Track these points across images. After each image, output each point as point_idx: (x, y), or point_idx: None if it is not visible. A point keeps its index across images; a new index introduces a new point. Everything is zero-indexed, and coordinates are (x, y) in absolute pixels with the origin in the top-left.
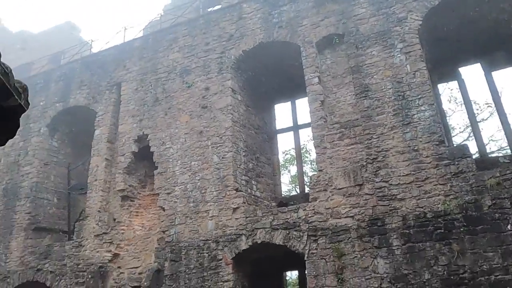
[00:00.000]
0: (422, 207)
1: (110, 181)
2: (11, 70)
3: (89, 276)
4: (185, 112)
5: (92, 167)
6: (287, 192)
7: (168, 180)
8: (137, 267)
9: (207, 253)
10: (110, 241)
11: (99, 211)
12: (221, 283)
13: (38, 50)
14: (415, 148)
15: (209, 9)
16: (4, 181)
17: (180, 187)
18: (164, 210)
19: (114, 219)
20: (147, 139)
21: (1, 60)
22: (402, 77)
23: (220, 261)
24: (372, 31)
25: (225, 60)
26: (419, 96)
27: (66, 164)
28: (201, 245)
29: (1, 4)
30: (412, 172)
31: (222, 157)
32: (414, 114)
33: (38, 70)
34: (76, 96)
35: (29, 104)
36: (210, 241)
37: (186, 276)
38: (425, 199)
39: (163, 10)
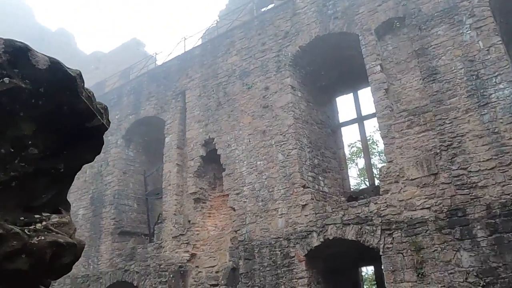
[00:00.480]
0: (508, 194)
1: (183, 185)
2: (93, 94)
3: (171, 275)
4: (247, 113)
5: (165, 173)
6: (355, 186)
7: (236, 180)
8: (213, 266)
9: (279, 250)
10: (187, 242)
11: (174, 214)
12: (296, 280)
13: (110, 68)
14: (495, 131)
15: (262, 9)
16: (91, 190)
17: (248, 187)
18: (234, 210)
19: (189, 221)
20: (213, 143)
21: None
22: (474, 55)
23: (293, 258)
24: (436, 9)
25: (282, 58)
26: (496, 74)
27: (142, 172)
28: (272, 243)
29: (76, 28)
30: (494, 157)
31: (287, 155)
32: (492, 94)
33: (111, 87)
34: (146, 107)
35: (110, 122)
36: (281, 239)
37: (261, 273)
38: (511, 185)
39: (219, 16)
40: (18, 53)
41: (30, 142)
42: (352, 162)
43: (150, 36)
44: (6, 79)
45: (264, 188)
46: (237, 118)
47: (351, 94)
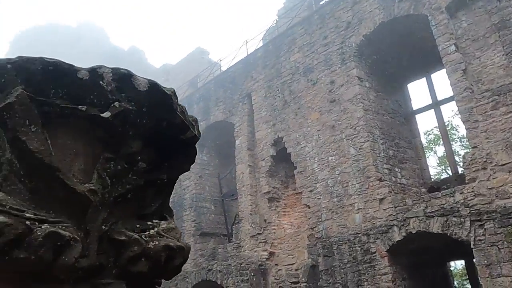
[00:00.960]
0: None
1: (256, 185)
2: (185, 108)
3: (252, 274)
4: (314, 109)
5: (238, 175)
6: (436, 175)
7: (309, 178)
8: (292, 264)
9: (359, 246)
10: (264, 240)
11: (250, 214)
12: (379, 276)
13: (179, 78)
14: None
15: (321, 3)
16: (171, 195)
17: (321, 183)
18: (309, 207)
19: (265, 220)
20: (283, 142)
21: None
22: None
23: (374, 254)
24: None
25: (346, 49)
26: None
27: (216, 175)
28: (351, 239)
29: (145, 45)
30: None
31: (359, 148)
32: None
33: (181, 96)
34: (215, 112)
35: (200, 133)
36: (360, 235)
37: (341, 270)
38: None
39: (277, 15)
40: (123, 79)
41: (139, 158)
42: (430, 151)
43: (213, 43)
44: (116, 103)
45: (338, 184)
46: (305, 115)
47: (424, 78)
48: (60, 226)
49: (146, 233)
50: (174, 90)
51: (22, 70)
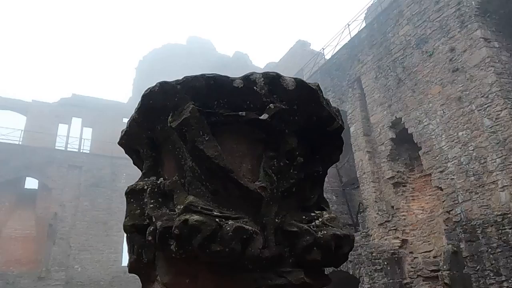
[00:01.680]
0: None
1: (377, 171)
2: (329, 100)
3: (385, 263)
4: (434, 83)
5: (357, 162)
6: None
7: (437, 158)
8: (429, 251)
9: (510, 228)
10: (394, 228)
11: (375, 201)
12: None
13: (283, 74)
14: None
15: None
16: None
17: (452, 162)
18: (441, 189)
19: (392, 207)
20: (402, 122)
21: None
22: None
23: None
24: None
25: (464, 10)
26: None
27: (334, 165)
28: (498, 220)
29: (248, 47)
30: None
31: (495, 118)
32: None
33: None
34: None
35: (344, 123)
36: (509, 215)
37: (490, 256)
38: None
39: None
40: (273, 81)
41: (297, 153)
42: None
43: (313, 33)
44: (271, 105)
45: (474, 161)
46: (423, 91)
47: None
48: (242, 221)
49: (313, 223)
50: (318, 84)
51: (189, 88)
